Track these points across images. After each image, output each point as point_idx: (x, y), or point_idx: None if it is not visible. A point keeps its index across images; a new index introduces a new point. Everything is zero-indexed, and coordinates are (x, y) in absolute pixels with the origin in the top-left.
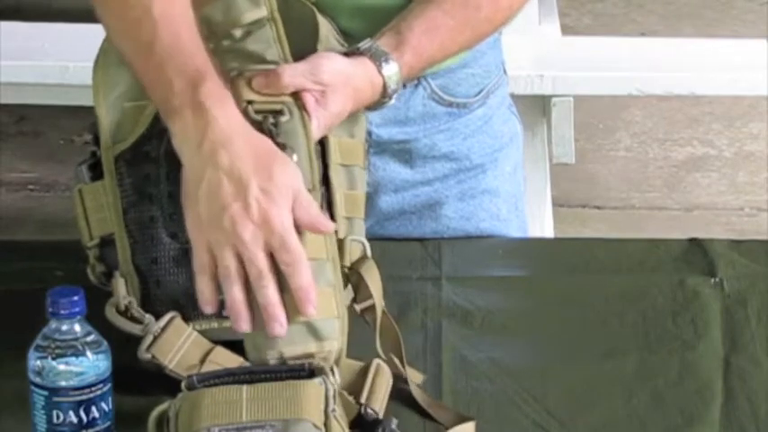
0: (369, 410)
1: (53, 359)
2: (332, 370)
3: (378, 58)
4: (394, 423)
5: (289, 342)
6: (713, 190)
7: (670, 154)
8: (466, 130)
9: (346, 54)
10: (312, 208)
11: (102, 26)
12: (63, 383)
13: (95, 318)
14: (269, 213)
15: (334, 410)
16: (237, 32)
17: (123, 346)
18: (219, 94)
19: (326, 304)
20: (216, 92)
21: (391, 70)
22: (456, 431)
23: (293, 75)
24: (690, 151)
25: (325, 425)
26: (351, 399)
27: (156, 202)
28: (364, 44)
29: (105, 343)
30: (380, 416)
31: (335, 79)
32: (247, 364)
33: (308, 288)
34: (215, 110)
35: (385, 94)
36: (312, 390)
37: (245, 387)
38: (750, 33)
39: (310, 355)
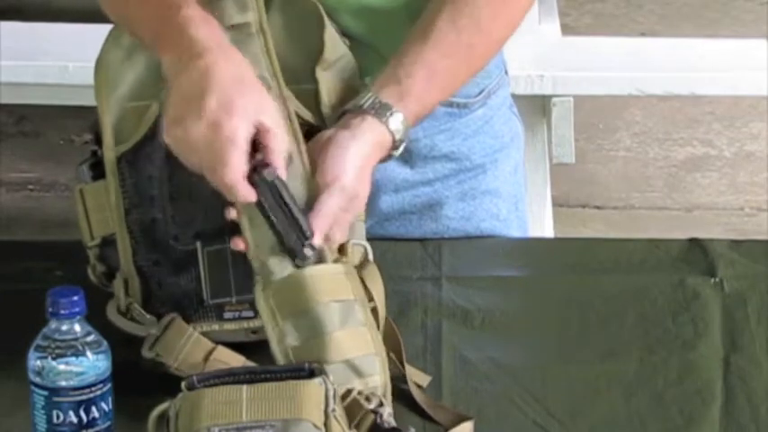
0: (384, 419)
1: (53, 359)
2: (381, 403)
3: (383, 114)
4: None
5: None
6: (713, 190)
7: (670, 154)
8: (466, 131)
9: (349, 112)
10: (275, 138)
11: None
12: (63, 383)
13: (95, 318)
14: (220, 121)
15: (334, 410)
16: None
17: (123, 346)
18: (198, 17)
19: (362, 341)
20: (194, 15)
21: (397, 123)
22: None
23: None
24: (690, 151)
25: (325, 425)
26: (378, 401)
27: (158, 204)
28: (366, 100)
29: (105, 343)
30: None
31: (360, 182)
32: (250, 363)
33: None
34: (194, 30)
35: (394, 147)
36: (312, 390)
37: (245, 387)
38: (750, 33)
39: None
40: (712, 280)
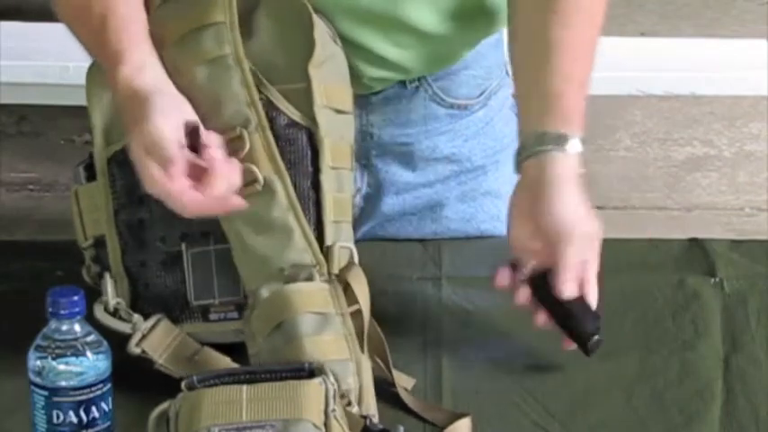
0: (374, 421)
1: (53, 359)
2: (349, 403)
3: (559, 143)
4: (401, 431)
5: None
6: (713, 190)
7: (670, 154)
8: (467, 132)
9: (525, 160)
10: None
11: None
12: (63, 383)
13: (95, 318)
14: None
15: (334, 410)
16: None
17: (123, 346)
18: (131, 76)
19: (337, 348)
20: (128, 76)
21: (576, 145)
22: (452, 430)
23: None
24: (690, 151)
25: (325, 425)
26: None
27: (146, 205)
28: (530, 139)
29: (105, 343)
30: (373, 410)
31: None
32: (234, 365)
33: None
34: (123, 91)
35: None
36: (312, 390)
37: (245, 387)
38: (750, 33)
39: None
40: (712, 280)
